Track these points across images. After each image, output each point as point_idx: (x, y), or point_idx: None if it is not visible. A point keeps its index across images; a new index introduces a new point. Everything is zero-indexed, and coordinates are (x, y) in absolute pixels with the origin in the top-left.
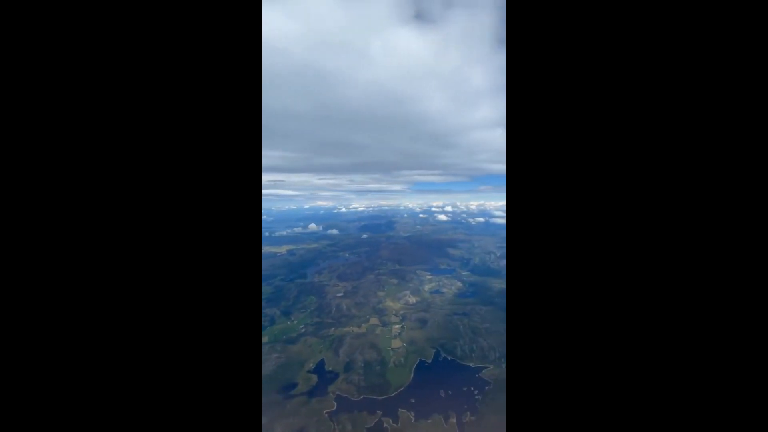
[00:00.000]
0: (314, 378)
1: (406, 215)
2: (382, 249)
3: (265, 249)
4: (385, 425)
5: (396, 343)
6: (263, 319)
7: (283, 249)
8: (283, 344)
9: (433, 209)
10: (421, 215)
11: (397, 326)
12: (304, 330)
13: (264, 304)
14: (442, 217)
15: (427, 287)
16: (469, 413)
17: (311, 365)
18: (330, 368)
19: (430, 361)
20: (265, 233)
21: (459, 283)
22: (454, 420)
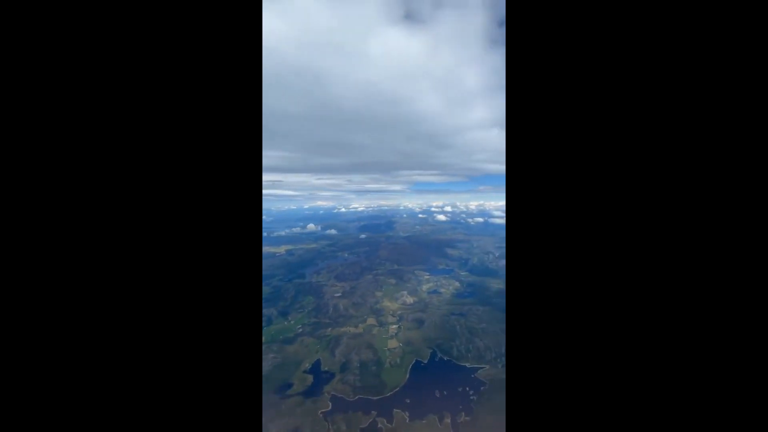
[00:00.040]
0: (310, 378)
1: (405, 215)
2: (380, 249)
3: (264, 249)
4: (379, 425)
5: (392, 344)
6: None
7: (281, 249)
8: (280, 344)
9: (433, 209)
10: (420, 215)
11: (394, 326)
12: (301, 330)
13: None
14: (442, 217)
15: (424, 287)
16: (463, 413)
17: (307, 365)
18: (326, 368)
19: (426, 362)
20: (264, 233)
21: (457, 283)
22: (448, 420)
